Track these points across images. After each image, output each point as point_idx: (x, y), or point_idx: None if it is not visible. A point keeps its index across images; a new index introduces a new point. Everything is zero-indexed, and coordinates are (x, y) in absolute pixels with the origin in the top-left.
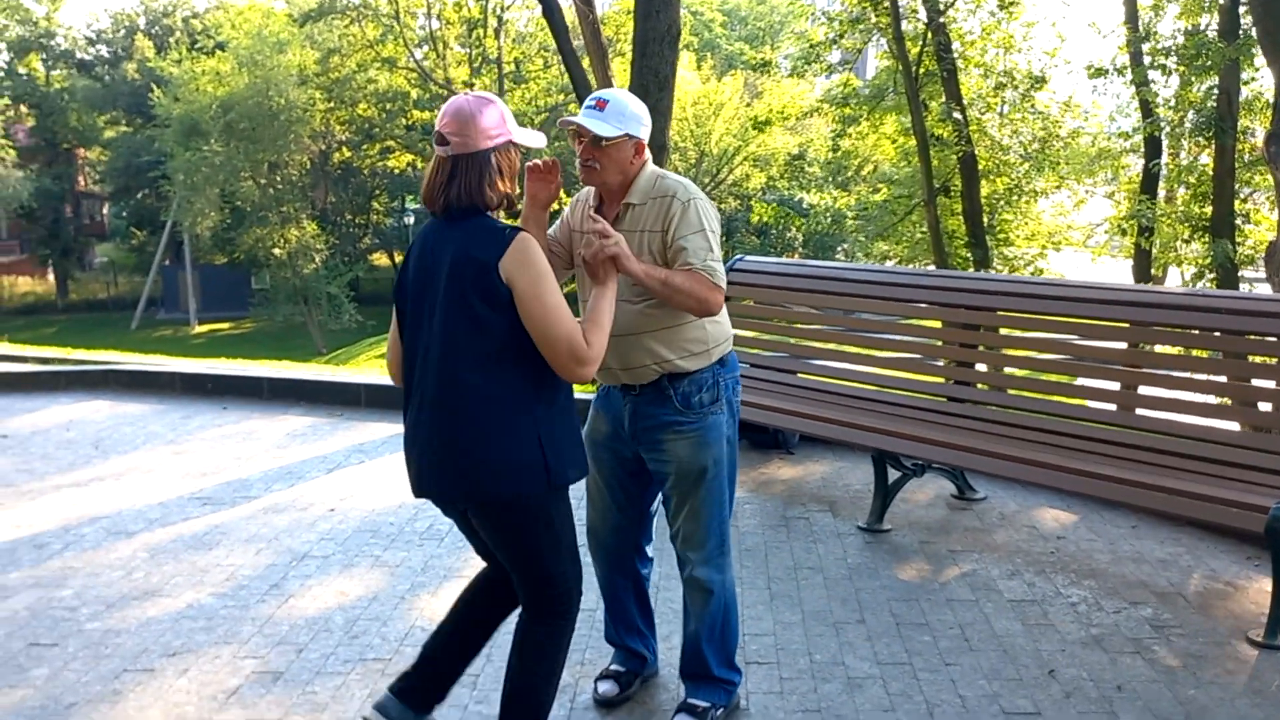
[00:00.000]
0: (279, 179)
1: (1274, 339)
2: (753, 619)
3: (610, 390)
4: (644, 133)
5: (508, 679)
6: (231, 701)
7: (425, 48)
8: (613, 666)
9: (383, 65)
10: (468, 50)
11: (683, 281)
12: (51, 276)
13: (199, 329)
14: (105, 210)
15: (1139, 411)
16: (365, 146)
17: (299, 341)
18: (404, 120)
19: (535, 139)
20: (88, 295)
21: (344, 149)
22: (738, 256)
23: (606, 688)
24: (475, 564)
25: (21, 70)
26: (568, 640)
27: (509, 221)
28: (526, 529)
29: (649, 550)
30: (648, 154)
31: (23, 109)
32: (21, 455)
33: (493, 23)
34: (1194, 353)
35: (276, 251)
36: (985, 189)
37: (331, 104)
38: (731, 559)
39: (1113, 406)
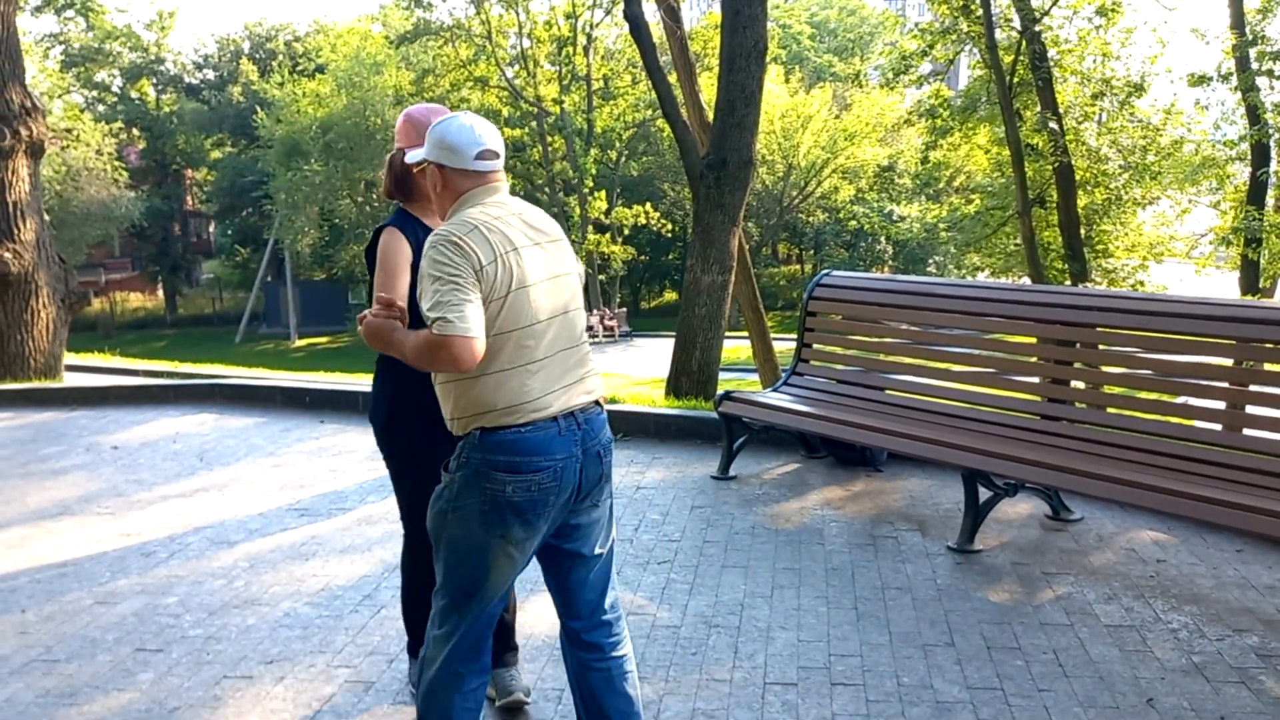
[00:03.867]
0: (375, 197)
1: None
2: (839, 639)
3: None
4: (440, 157)
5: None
6: (325, 710)
7: (516, 66)
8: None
9: (475, 84)
10: (557, 68)
11: (413, 344)
12: (161, 292)
13: (299, 343)
14: (211, 228)
15: (1246, 432)
16: None
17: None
18: None
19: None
20: (194, 310)
21: None
22: (824, 272)
23: None
24: None
25: (133, 95)
26: None
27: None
28: None
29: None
30: (469, 186)
31: (134, 132)
32: (131, 467)
33: (582, 40)
34: None
35: None
36: (1082, 199)
37: None
38: (447, 648)
39: (1218, 426)
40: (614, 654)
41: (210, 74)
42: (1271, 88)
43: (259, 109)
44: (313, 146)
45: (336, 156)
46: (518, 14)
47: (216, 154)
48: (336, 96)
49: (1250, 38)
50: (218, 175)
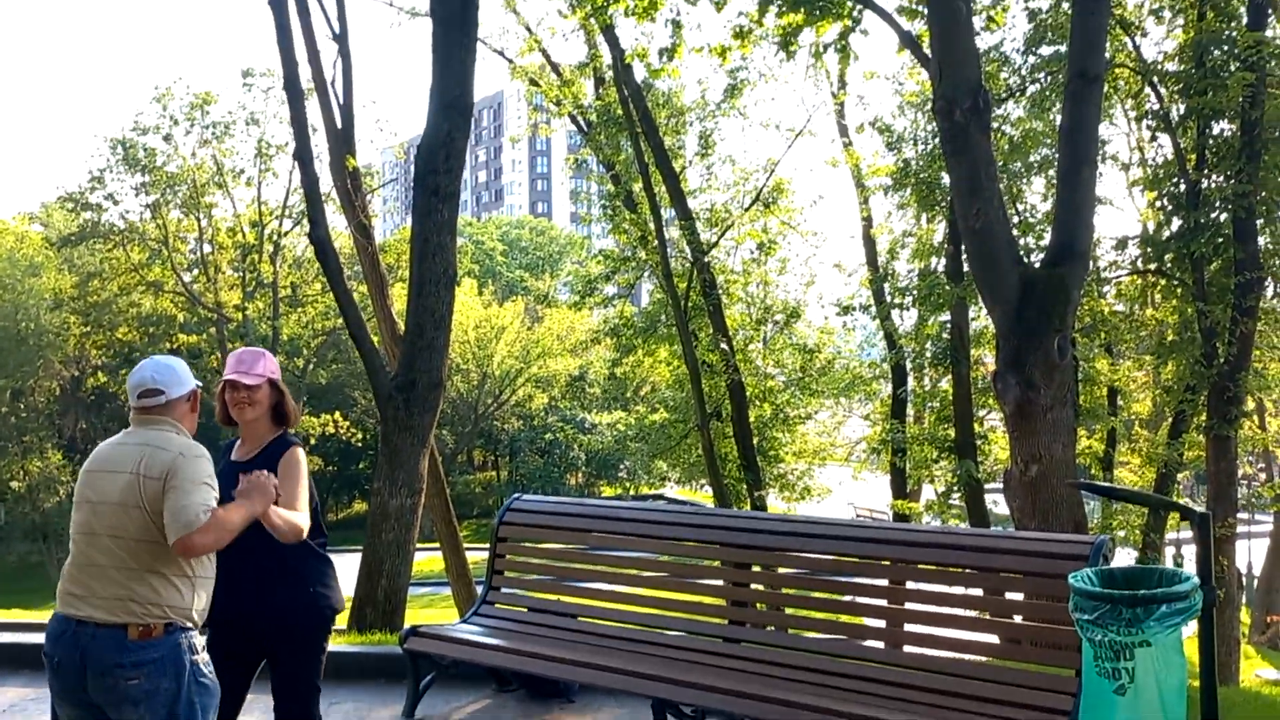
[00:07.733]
0: (23, 406)
1: (1019, 575)
2: None
3: None
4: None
5: None
6: None
7: (196, 271)
8: None
9: (148, 289)
10: (241, 274)
11: None
12: None
13: None
14: None
15: (905, 649)
16: (124, 371)
17: (34, 584)
18: (169, 344)
19: None
20: None
21: (99, 374)
22: (514, 496)
23: None
24: None
25: None
26: None
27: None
28: None
29: None
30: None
31: None
32: None
33: (268, 249)
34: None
35: (15, 485)
36: (754, 413)
37: (88, 328)
38: None
39: (881, 644)
40: None
41: None
42: (902, 318)
43: None
44: None
45: None
46: (199, 219)
47: None
48: None
49: (883, 274)
50: None
